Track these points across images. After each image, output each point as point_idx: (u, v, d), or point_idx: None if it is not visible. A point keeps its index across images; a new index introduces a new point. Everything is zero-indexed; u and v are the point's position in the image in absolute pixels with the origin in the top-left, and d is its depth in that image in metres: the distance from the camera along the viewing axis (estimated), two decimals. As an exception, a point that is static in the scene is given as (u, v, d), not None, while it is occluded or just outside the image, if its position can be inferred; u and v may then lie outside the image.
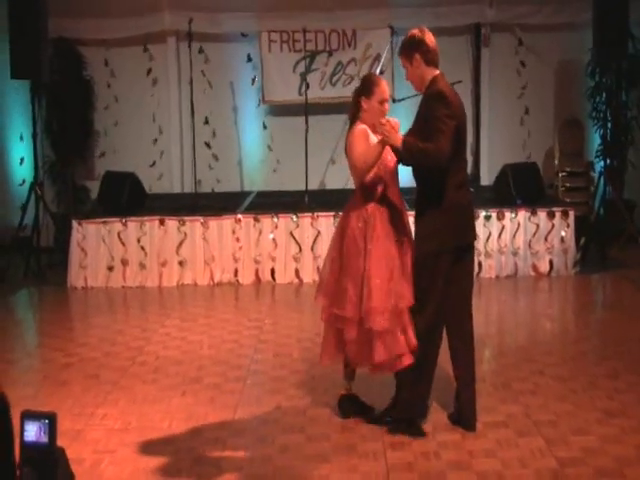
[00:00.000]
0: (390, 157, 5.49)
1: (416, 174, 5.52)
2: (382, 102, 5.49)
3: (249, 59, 12.16)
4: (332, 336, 5.62)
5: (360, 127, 5.52)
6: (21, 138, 12.04)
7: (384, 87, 5.53)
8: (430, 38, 5.40)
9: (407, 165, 5.45)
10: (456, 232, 5.44)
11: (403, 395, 5.56)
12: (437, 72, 5.42)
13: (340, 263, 5.53)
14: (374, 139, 5.46)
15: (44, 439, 2.73)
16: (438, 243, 5.35)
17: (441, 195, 5.35)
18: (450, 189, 5.35)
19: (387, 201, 5.51)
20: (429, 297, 5.39)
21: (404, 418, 5.53)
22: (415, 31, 5.44)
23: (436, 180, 5.33)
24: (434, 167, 5.26)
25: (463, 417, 5.56)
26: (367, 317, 5.33)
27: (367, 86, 5.54)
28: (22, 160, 12.06)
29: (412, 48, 5.40)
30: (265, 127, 12.35)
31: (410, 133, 5.43)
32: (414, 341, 5.36)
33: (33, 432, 2.74)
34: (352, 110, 5.61)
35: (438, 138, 5.16)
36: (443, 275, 5.39)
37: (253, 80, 12.19)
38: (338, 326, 5.51)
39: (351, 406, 5.79)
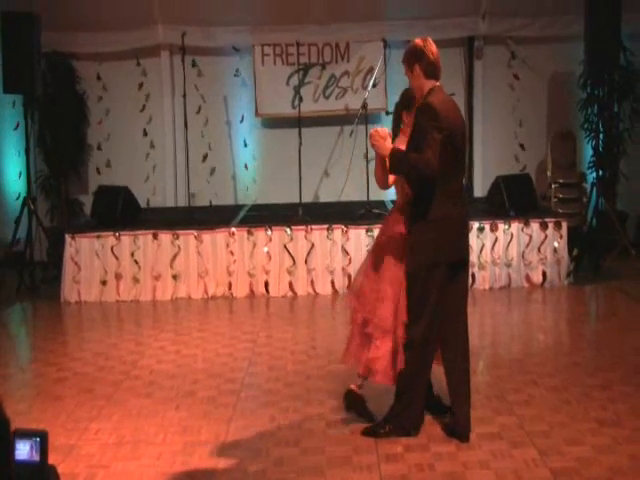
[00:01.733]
0: None
1: (410, 185, 5.54)
2: None
3: (237, 74, 12.20)
4: (358, 338, 5.75)
5: (399, 140, 5.62)
6: (16, 152, 12.07)
7: None
8: (432, 49, 5.42)
9: (396, 174, 5.53)
10: (449, 246, 5.45)
11: (397, 407, 5.58)
12: (435, 84, 5.44)
13: (377, 271, 5.67)
14: None
15: (35, 457, 2.71)
16: (431, 256, 5.38)
17: (434, 207, 5.36)
18: (444, 201, 5.37)
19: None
20: (423, 309, 5.41)
21: (399, 430, 5.56)
22: (418, 41, 5.47)
23: (429, 191, 5.35)
24: (420, 177, 5.31)
25: (458, 429, 5.56)
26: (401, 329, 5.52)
27: (407, 100, 5.65)
28: (20, 174, 12.07)
29: (413, 59, 5.43)
30: (258, 140, 12.38)
31: (408, 145, 5.47)
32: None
33: (25, 451, 2.73)
34: (394, 124, 5.77)
35: (424, 150, 5.21)
36: (436, 288, 5.40)
37: (239, 96, 12.23)
38: (368, 332, 5.64)
39: (355, 405, 5.88)
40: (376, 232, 9.85)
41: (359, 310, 5.75)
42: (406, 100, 5.66)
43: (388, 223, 5.80)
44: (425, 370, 5.55)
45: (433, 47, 5.44)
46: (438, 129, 5.24)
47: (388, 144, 5.42)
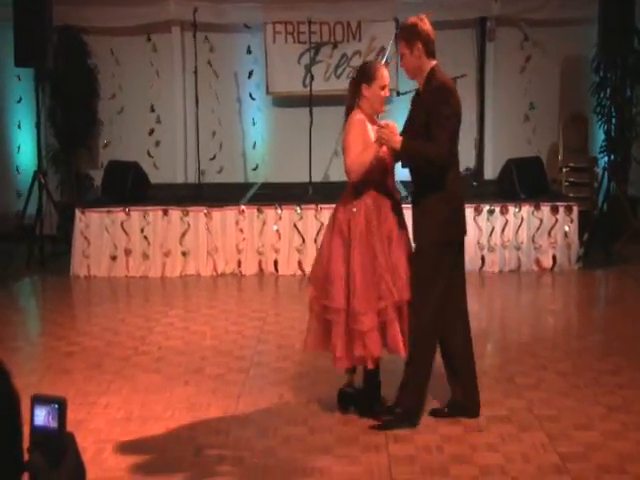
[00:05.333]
0: (383, 151, 5.45)
1: (418, 169, 5.50)
2: (383, 88, 5.49)
3: (249, 51, 12.17)
4: (318, 326, 5.59)
5: (358, 117, 5.51)
6: (19, 126, 12.10)
7: (384, 73, 5.51)
8: (430, 28, 5.39)
9: (405, 166, 5.47)
10: (458, 225, 5.48)
11: (408, 399, 5.48)
12: (436, 63, 5.40)
13: (329, 255, 5.52)
14: (372, 132, 5.46)
15: (53, 424, 2.71)
16: (443, 234, 5.34)
17: (443, 187, 5.33)
18: (451, 181, 5.35)
19: (377, 195, 5.49)
20: (433, 290, 5.36)
21: (404, 421, 5.47)
22: (416, 19, 5.40)
23: (438, 173, 5.30)
24: (432, 169, 5.29)
25: (467, 406, 5.58)
26: (352, 316, 5.37)
27: (368, 72, 5.52)
28: (19, 148, 12.17)
29: (414, 36, 5.35)
30: (269, 119, 12.35)
31: (411, 125, 5.43)
32: (396, 341, 5.36)
33: (42, 417, 2.73)
34: (350, 98, 5.60)
35: (440, 141, 5.17)
36: (447, 267, 5.38)
37: (250, 73, 12.20)
38: (327, 317, 5.49)
39: (350, 401, 5.78)
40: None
41: (317, 299, 5.59)
42: (367, 72, 5.52)
43: (336, 206, 5.68)
44: (433, 356, 5.49)
45: (429, 25, 5.41)
46: (456, 115, 5.22)
47: (398, 137, 5.30)
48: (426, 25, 5.37)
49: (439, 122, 5.19)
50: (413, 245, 5.55)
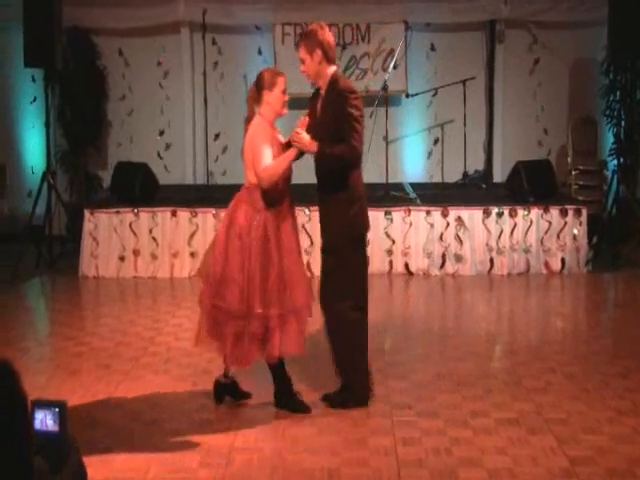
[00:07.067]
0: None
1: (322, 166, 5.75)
2: (284, 92, 5.72)
3: (260, 52, 12.18)
4: (207, 320, 5.70)
5: (258, 122, 5.71)
6: (33, 126, 12.11)
7: (284, 78, 5.74)
8: (330, 35, 5.70)
9: (322, 168, 5.72)
10: (363, 220, 5.78)
11: (352, 383, 5.83)
12: (335, 68, 5.69)
13: (225, 256, 5.61)
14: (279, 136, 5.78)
15: (54, 428, 2.71)
16: (351, 232, 5.66)
17: (348, 187, 5.64)
18: (355, 181, 5.68)
19: (278, 201, 5.66)
20: (352, 284, 5.68)
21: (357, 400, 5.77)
22: (316, 27, 5.69)
23: (343, 173, 5.63)
24: (345, 166, 5.59)
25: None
26: (246, 319, 5.53)
27: (268, 80, 5.70)
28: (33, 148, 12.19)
29: (314, 43, 5.62)
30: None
31: (319, 129, 5.64)
32: (273, 352, 5.60)
33: (44, 421, 2.72)
34: (251, 106, 5.79)
35: (353, 140, 5.49)
36: (364, 258, 5.79)
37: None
38: (218, 316, 5.61)
39: (225, 390, 5.93)
40: (395, 215, 9.92)
41: (210, 297, 5.68)
42: (267, 79, 5.70)
43: (235, 207, 5.77)
44: (365, 341, 5.79)
45: (329, 32, 5.70)
46: (362, 116, 5.53)
47: (313, 142, 5.56)
48: (326, 33, 5.65)
49: (350, 123, 5.49)
50: (319, 244, 5.91)
